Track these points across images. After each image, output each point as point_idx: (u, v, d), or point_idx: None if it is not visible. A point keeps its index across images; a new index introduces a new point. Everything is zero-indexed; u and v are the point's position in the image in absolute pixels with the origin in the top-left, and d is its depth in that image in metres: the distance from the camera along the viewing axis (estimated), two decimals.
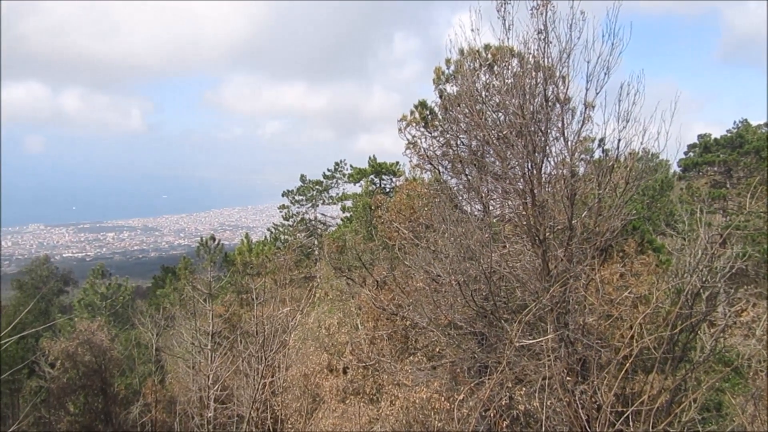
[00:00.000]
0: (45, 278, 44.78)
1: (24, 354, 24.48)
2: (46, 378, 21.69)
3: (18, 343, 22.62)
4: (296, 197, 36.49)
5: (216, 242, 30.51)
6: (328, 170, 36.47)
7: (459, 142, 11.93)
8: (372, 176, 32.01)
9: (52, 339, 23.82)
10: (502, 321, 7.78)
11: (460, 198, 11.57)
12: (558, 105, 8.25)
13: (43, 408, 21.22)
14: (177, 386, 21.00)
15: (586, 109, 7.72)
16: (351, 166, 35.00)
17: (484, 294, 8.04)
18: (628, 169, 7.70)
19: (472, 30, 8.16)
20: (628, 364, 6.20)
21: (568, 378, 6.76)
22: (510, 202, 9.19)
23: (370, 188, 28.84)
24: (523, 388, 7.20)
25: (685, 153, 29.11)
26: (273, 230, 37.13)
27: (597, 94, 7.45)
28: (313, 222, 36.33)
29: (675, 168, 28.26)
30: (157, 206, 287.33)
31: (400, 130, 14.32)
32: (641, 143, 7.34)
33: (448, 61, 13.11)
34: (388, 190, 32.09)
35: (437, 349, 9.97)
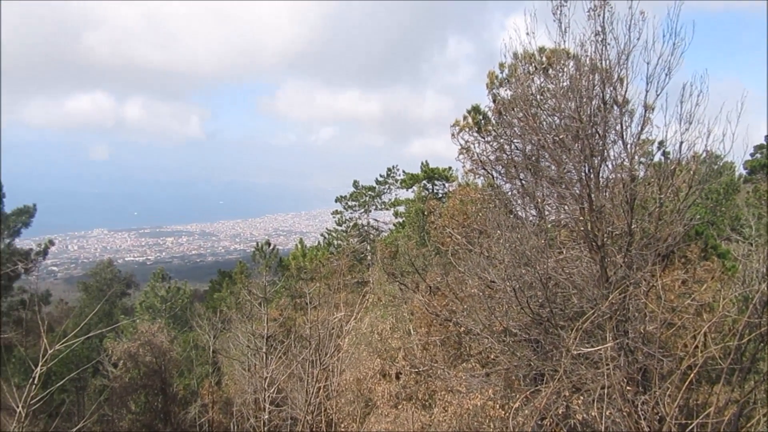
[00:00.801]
0: (109, 281, 46.56)
1: (89, 354, 25.45)
2: (109, 377, 22.50)
3: (83, 343, 23.52)
4: (349, 203, 36.77)
5: (271, 247, 31.01)
6: (381, 176, 36.62)
7: (513, 146, 11.79)
8: (424, 182, 31.94)
9: (115, 340, 24.72)
10: (559, 328, 7.63)
11: (515, 203, 11.42)
12: (616, 107, 8.06)
13: (106, 406, 21.99)
14: (233, 388, 21.44)
15: (645, 111, 7.51)
16: (403, 171, 35.03)
17: (539, 301, 7.90)
18: (691, 172, 7.44)
19: (528, 33, 8.07)
20: (692, 375, 5.98)
21: (628, 388, 6.57)
22: (566, 207, 9.01)
23: (423, 194, 28.82)
24: (581, 398, 7.03)
25: (752, 154, 27.91)
26: (326, 235, 37.48)
27: (657, 95, 7.25)
28: (366, 227, 36.51)
29: (741, 170, 27.11)
30: (214, 211, 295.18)
31: (453, 135, 14.27)
32: (705, 146, 7.08)
33: (501, 65, 13.00)
34: (440, 195, 31.95)
35: (491, 356, 9.86)
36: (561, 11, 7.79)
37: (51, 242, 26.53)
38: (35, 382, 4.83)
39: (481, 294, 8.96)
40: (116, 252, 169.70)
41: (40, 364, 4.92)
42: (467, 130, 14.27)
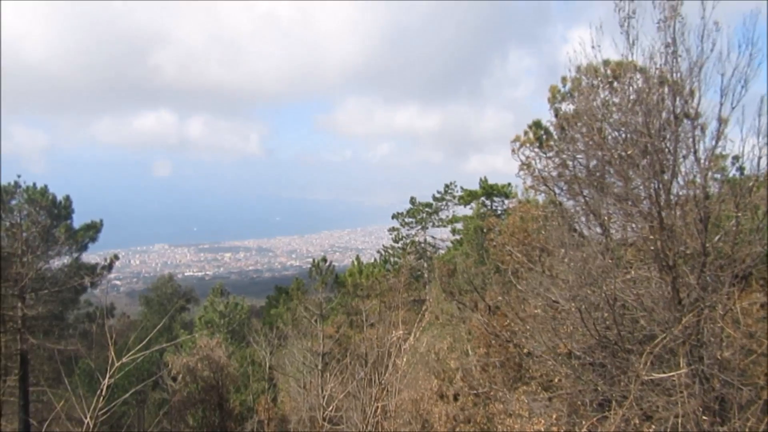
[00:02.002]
0: (169, 295, 47.97)
1: (150, 367, 26.20)
2: (168, 391, 23.05)
3: (145, 356, 24.23)
4: (406, 219, 36.86)
5: (327, 263, 31.33)
6: (438, 192, 36.58)
7: (576, 162, 11.58)
8: (483, 198, 31.74)
9: (174, 354, 25.37)
10: (627, 352, 7.39)
11: (578, 221, 11.19)
12: (687, 121, 7.82)
13: (165, 420, 22.53)
14: (289, 405, 21.63)
15: (720, 125, 7.24)
16: (461, 187, 34.98)
17: (606, 322, 7.68)
18: None
19: (593, 47, 7.94)
20: None
21: (704, 417, 6.28)
22: (634, 225, 8.76)
23: (481, 210, 28.59)
24: (652, 426, 6.76)
25: None
26: (383, 252, 37.63)
27: (733, 108, 6.97)
28: (423, 244, 36.47)
29: None
30: (270, 227, 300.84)
31: (513, 150, 14.12)
32: None
33: (564, 79, 12.82)
34: (499, 212, 31.64)
35: (554, 380, 9.62)
36: (629, 23, 7.63)
37: (116, 257, 27.59)
38: (102, 394, 5.00)
39: (544, 314, 8.79)
40: (176, 267, 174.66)
41: (107, 376, 5.09)
42: (528, 145, 14.10)
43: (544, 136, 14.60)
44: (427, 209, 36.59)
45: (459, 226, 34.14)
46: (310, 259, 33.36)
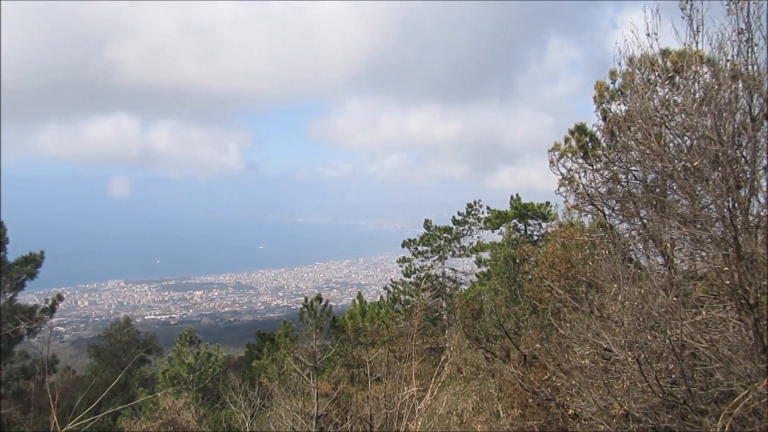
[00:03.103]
0: (125, 344, 47.89)
1: None
2: None
3: (95, 422, 24.15)
4: (419, 248, 36.88)
5: (322, 303, 31.28)
6: (460, 214, 36.68)
7: (630, 175, 11.59)
8: (515, 221, 31.77)
9: (131, 418, 25.24)
10: (699, 413, 7.33)
11: (634, 248, 11.18)
12: None
13: None
14: None
15: None
16: (488, 208, 35.04)
17: (672, 376, 7.63)
18: None
19: (648, 34, 7.98)
20: None
21: None
22: (704, 254, 8.74)
23: (513, 236, 28.59)
24: None
25: None
26: (391, 289, 37.59)
27: None
28: (441, 279, 36.41)
29: None
30: (252, 259, 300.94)
31: (551, 161, 14.14)
32: None
33: (613, 74, 12.90)
34: (536, 238, 31.62)
35: None
36: (692, 5, 7.68)
37: (60, 297, 27.62)
38: None
39: (593, 366, 8.74)
40: (134, 309, 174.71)
41: None
42: (570, 155, 14.14)
43: (590, 144, 14.65)
44: (445, 235, 36.62)
45: (486, 255, 34.12)
46: (301, 298, 33.33)
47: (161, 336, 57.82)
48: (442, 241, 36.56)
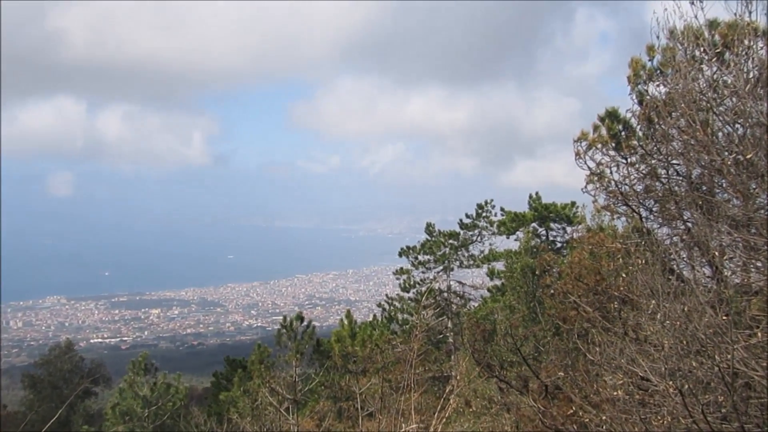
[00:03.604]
0: (67, 374, 47.73)
1: None
2: None
3: None
4: (420, 257, 36.83)
5: (304, 323, 31.29)
6: (468, 216, 36.63)
7: (671, 170, 11.63)
8: (534, 224, 31.80)
9: None
10: None
11: (676, 257, 11.21)
12: None
13: None
14: None
15: None
16: (502, 209, 35.04)
17: (722, 410, 7.65)
18: None
19: (693, 2, 8.01)
20: None
21: None
22: (759, 264, 8.77)
23: (532, 243, 28.61)
24: None
25: None
26: (386, 306, 37.58)
27: None
28: (446, 294, 36.39)
29: None
30: (220, 271, 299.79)
31: (578, 154, 14.17)
32: None
33: (651, 49, 12.91)
34: (559, 245, 31.67)
35: None
36: None
37: None
38: None
39: (627, 398, 8.75)
40: (78, 330, 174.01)
41: None
42: (600, 146, 14.15)
43: (624, 133, 14.66)
44: (451, 241, 36.57)
45: (499, 265, 34.14)
46: (279, 317, 33.37)
47: (110, 363, 57.75)
48: (448, 249, 36.50)
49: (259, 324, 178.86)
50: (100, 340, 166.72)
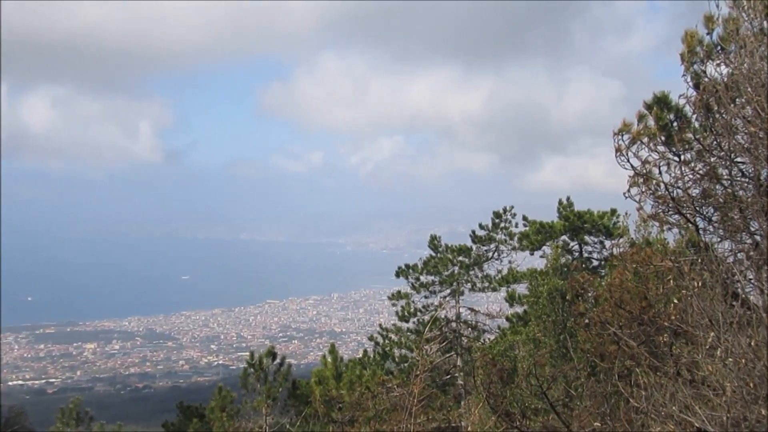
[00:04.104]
0: None
1: None
2: None
3: None
4: (423, 278, 36.78)
5: (277, 361, 31.25)
6: (483, 227, 36.63)
7: (735, 170, 11.66)
8: (565, 237, 31.83)
9: None
10: None
11: (741, 278, 11.22)
12: None
13: None
14: None
15: None
16: (525, 218, 35.05)
17: None
18: None
19: None
20: None
21: None
22: None
23: (563, 260, 28.63)
24: None
25: None
26: (380, 339, 37.52)
27: None
28: (455, 324, 36.39)
29: None
30: (172, 295, 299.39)
31: (618, 149, 14.20)
32: None
33: (710, 20, 12.95)
34: (596, 263, 31.69)
35: None
36: None
37: None
38: None
39: None
40: None
41: None
42: (646, 140, 14.18)
43: (676, 124, 14.69)
44: (461, 258, 36.52)
45: (521, 288, 34.12)
46: (245, 353, 33.23)
47: (33, 411, 57.61)
48: (457, 268, 36.43)
49: (220, 362, 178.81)
50: (20, 382, 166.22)
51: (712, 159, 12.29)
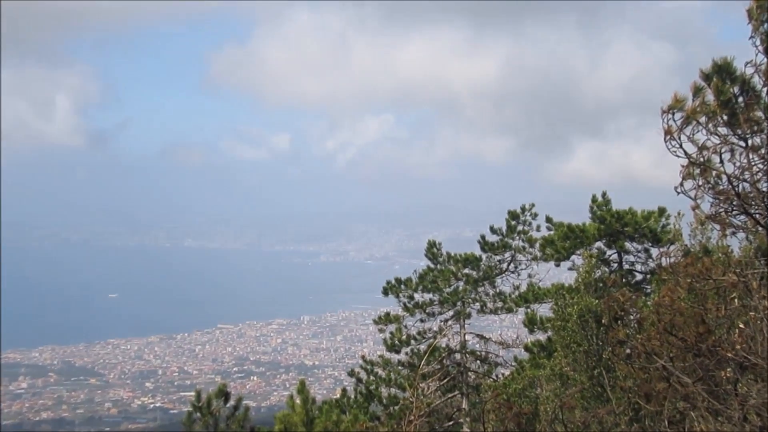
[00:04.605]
0: None
1: None
2: None
3: None
4: (418, 295, 36.82)
5: (231, 403, 31.31)
6: (495, 231, 36.68)
7: None
8: (600, 243, 31.94)
9: None
10: None
11: None
12: None
13: None
14: None
15: None
16: (548, 219, 35.09)
17: None
18: None
19: None
20: None
21: None
22: None
23: (597, 273, 28.75)
24: None
25: None
26: (364, 374, 37.57)
27: None
28: (459, 355, 36.48)
29: None
30: (94, 318, 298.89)
31: (669, 132, 14.26)
32: None
33: None
34: (639, 277, 31.76)
35: None
36: None
37: None
38: None
39: None
40: None
41: None
42: (704, 120, 14.26)
43: (742, 98, 14.77)
44: (468, 271, 36.58)
45: (543, 309, 34.20)
46: (190, 393, 33.32)
47: None
48: (462, 283, 36.45)
49: (157, 404, 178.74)
50: None
51: None
